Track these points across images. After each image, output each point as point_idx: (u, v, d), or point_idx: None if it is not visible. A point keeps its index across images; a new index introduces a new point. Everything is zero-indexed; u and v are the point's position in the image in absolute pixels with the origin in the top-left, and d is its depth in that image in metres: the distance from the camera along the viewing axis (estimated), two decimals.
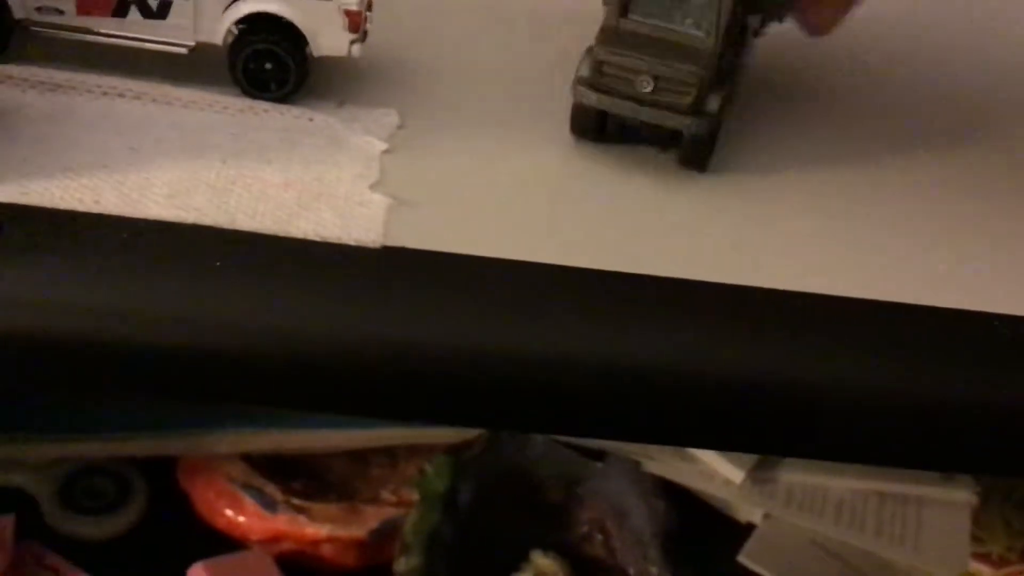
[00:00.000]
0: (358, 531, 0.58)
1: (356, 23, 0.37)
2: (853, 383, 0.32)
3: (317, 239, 0.32)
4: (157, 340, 0.29)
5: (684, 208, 0.37)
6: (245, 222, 0.32)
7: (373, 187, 0.35)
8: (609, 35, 0.37)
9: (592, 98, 0.38)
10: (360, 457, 0.62)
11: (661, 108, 0.37)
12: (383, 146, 0.37)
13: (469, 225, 0.34)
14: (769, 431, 0.34)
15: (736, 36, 0.39)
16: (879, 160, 0.41)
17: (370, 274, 0.31)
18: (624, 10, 0.37)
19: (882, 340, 0.33)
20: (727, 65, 0.38)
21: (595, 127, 0.39)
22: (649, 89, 0.37)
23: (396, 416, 0.32)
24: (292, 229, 0.33)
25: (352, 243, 0.32)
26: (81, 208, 0.32)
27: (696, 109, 0.37)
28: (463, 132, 0.39)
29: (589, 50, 0.38)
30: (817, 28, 0.40)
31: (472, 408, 0.31)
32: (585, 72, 0.38)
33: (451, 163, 0.37)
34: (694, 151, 0.38)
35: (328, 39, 0.37)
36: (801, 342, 0.33)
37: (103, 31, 0.37)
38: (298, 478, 0.60)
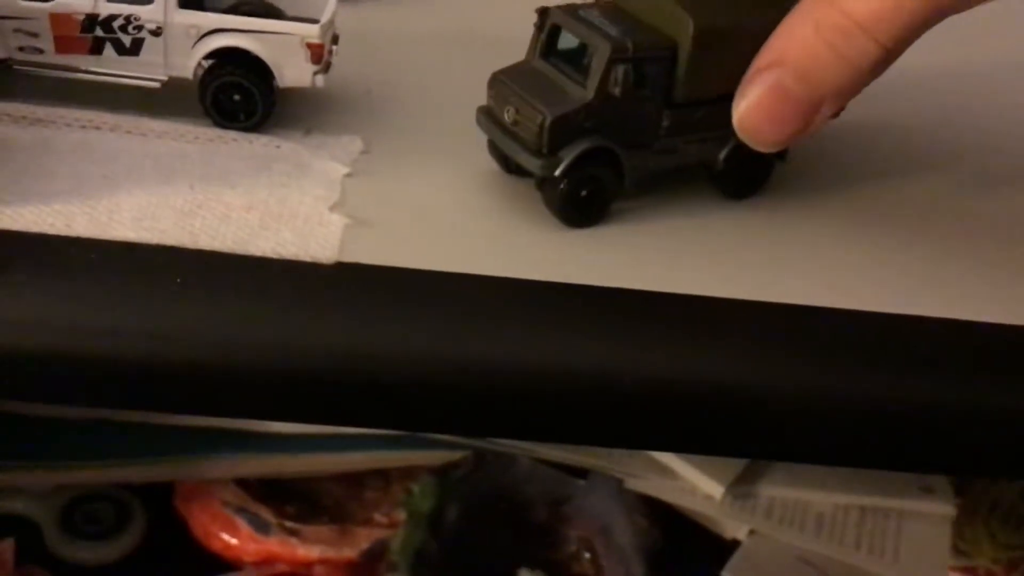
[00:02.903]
0: (350, 552, 0.60)
1: (319, 55, 0.39)
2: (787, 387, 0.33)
3: (276, 257, 0.34)
4: (119, 352, 0.31)
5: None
6: (207, 242, 0.34)
7: (333, 208, 0.37)
8: (515, 67, 0.38)
9: (482, 122, 0.39)
10: (354, 480, 0.63)
11: (518, 143, 0.37)
12: (345, 170, 0.39)
13: (422, 242, 0.36)
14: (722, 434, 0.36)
15: (648, 113, 0.38)
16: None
17: (323, 288, 0.33)
18: (544, 53, 0.38)
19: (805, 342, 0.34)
20: (621, 129, 0.37)
21: (498, 156, 0.39)
22: (510, 120, 0.37)
23: (347, 422, 0.33)
24: (252, 248, 0.34)
25: (308, 260, 0.34)
26: (52, 231, 0.34)
27: (544, 152, 0.36)
28: (424, 157, 0.40)
29: None
30: (756, 141, 0.35)
31: (421, 414, 0.33)
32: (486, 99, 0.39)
33: (410, 186, 0.39)
34: (548, 196, 0.37)
35: (292, 70, 0.39)
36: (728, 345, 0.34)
37: (80, 68, 0.39)
38: (292, 502, 0.62)
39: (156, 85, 0.40)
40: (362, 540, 0.60)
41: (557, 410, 0.34)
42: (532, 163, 0.37)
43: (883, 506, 0.58)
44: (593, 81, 0.36)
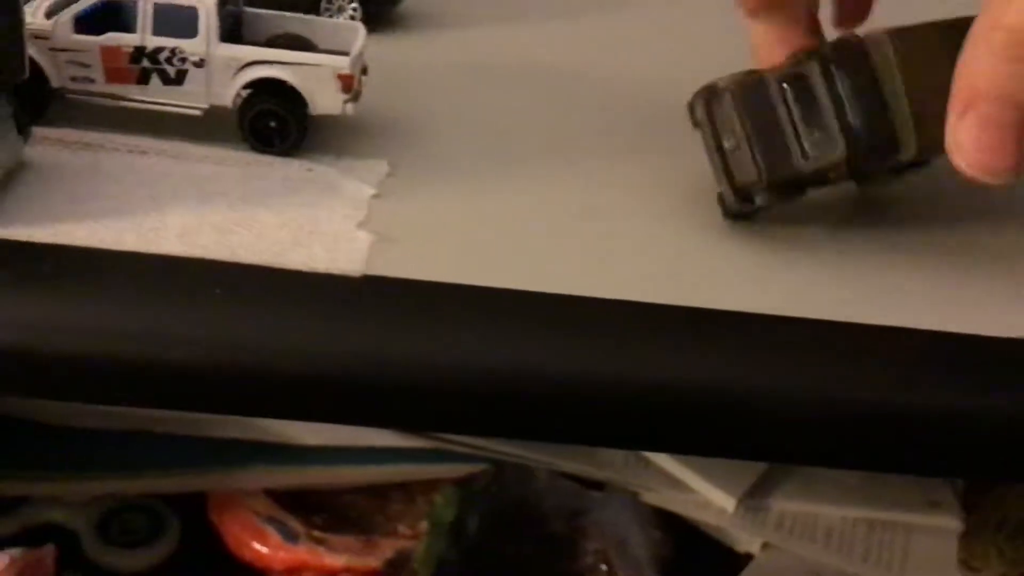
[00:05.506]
0: (374, 561, 0.62)
1: (349, 84, 0.42)
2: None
3: (307, 270, 0.37)
4: (164, 357, 0.34)
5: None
6: (244, 256, 0.37)
7: (360, 226, 0.39)
8: None
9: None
10: (379, 494, 0.65)
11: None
12: (372, 191, 0.42)
13: (444, 257, 0.38)
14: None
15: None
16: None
17: (350, 298, 0.36)
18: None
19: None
20: None
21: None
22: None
23: (370, 422, 0.36)
24: (285, 262, 0.37)
25: (337, 272, 0.37)
26: (103, 246, 0.36)
27: None
28: (446, 179, 0.43)
29: None
30: (993, 177, 0.35)
31: (434, 414, 0.35)
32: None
33: (433, 205, 0.41)
34: None
35: (324, 99, 0.42)
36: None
37: (128, 96, 0.42)
38: (319, 513, 0.64)
39: (198, 113, 0.43)
40: (386, 550, 0.62)
41: (564, 411, 0.36)
42: None
43: (891, 520, 0.59)
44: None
